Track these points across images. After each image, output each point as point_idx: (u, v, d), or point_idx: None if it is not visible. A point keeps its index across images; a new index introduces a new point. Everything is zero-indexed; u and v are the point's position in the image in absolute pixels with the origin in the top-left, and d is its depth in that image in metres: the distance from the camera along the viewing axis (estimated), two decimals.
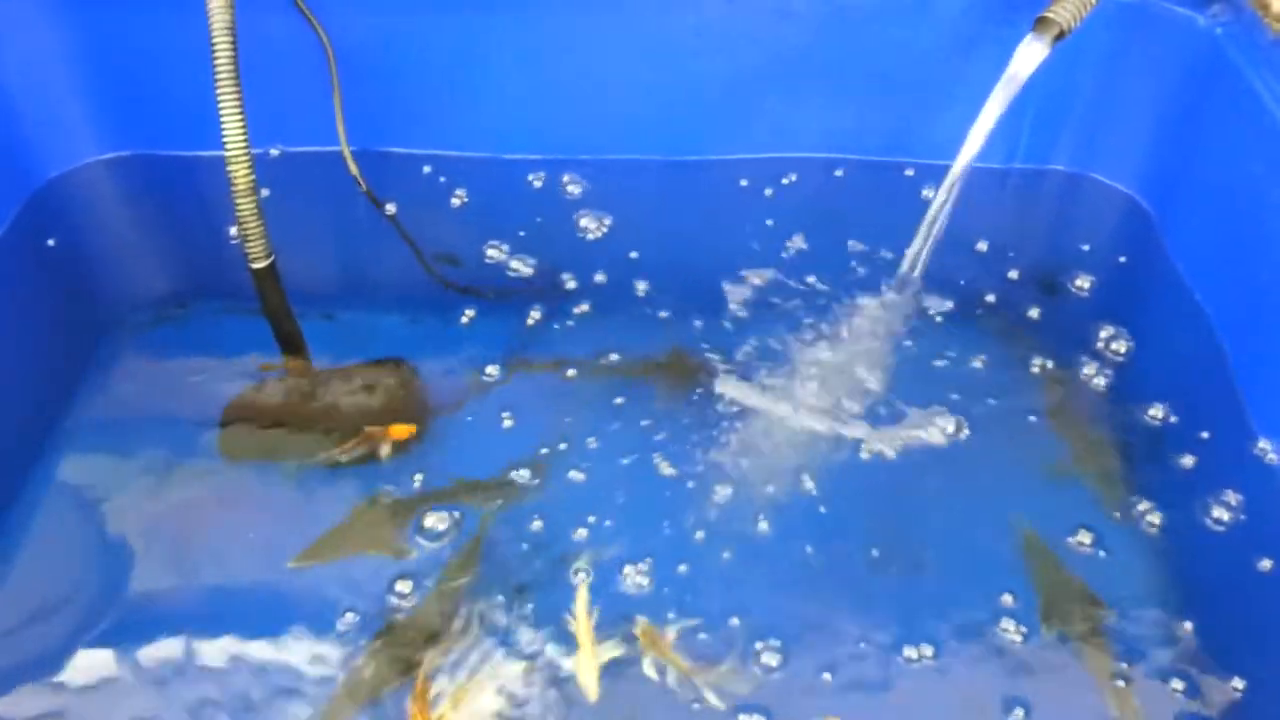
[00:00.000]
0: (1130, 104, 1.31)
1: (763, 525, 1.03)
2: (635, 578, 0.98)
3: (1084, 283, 1.26)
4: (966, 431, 1.10)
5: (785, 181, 1.38)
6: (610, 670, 0.92)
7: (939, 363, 1.17)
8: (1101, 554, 1.01)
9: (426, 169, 1.39)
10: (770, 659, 0.93)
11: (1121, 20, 1.24)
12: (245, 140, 1.07)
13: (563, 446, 1.09)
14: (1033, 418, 1.12)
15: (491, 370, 1.16)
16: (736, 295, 1.24)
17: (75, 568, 1.00)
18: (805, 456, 1.08)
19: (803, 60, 1.31)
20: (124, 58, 1.30)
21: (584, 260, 1.28)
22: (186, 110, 1.33)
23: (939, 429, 1.10)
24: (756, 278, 1.26)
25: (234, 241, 1.27)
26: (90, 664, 0.93)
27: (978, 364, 1.17)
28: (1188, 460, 1.08)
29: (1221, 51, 1.19)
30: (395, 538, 1.01)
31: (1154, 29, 1.24)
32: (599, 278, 1.26)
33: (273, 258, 1.12)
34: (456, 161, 1.40)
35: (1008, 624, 0.95)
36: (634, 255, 1.29)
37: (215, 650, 0.94)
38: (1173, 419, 1.11)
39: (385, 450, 1.09)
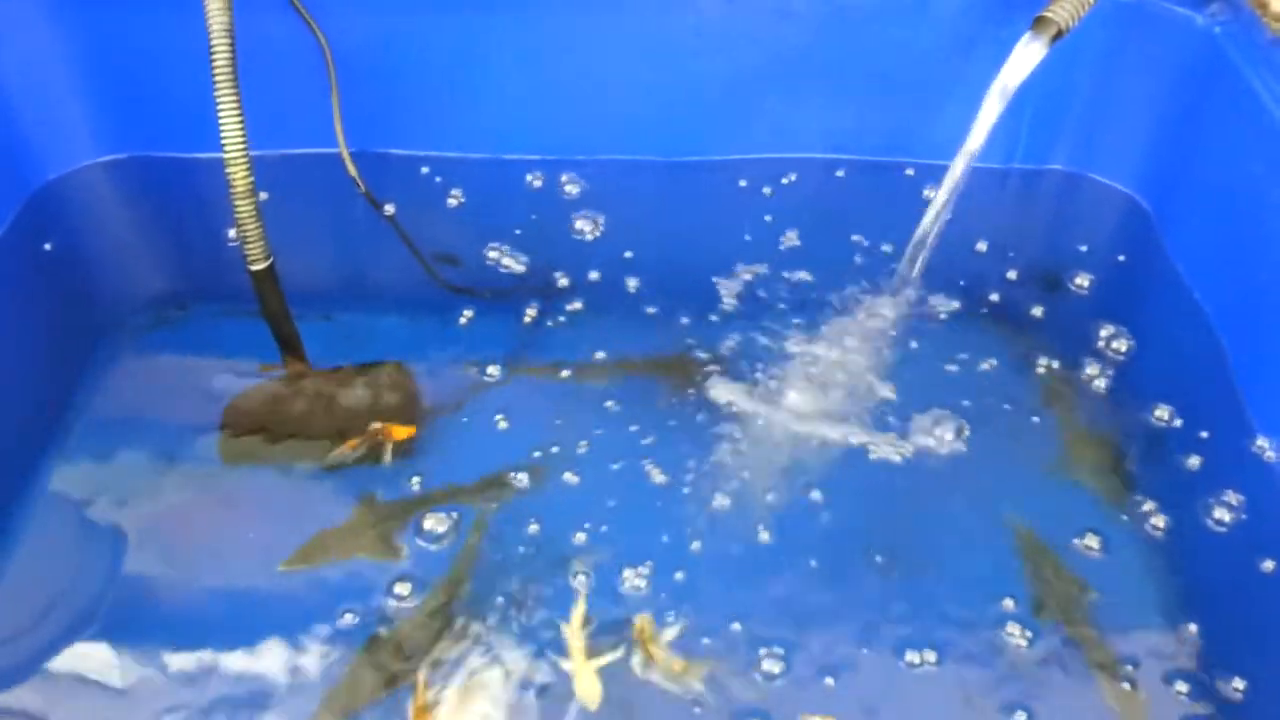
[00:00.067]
0: (1129, 103, 1.31)
1: (763, 528, 1.02)
2: (634, 581, 0.98)
3: (1083, 283, 1.26)
4: (967, 432, 1.10)
5: (785, 181, 1.38)
6: (609, 673, 0.92)
7: (939, 363, 1.17)
8: (1103, 555, 1.01)
9: (425, 170, 1.39)
10: (772, 665, 0.93)
11: (1119, 19, 1.24)
12: (244, 142, 1.06)
13: (561, 448, 1.09)
14: (1032, 418, 1.12)
15: (490, 371, 1.16)
16: (736, 296, 1.24)
17: (73, 569, 1.00)
18: (806, 459, 1.08)
19: (802, 60, 1.31)
20: (123, 59, 1.30)
21: (583, 261, 1.28)
22: (185, 112, 1.33)
23: (939, 430, 1.10)
24: (756, 278, 1.26)
25: (233, 243, 1.27)
26: (88, 664, 0.93)
27: (978, 364, 1.17)
28: (1188, 460, 1.08)
29: (1220, 51, 1.19)
30: (390, 540, 1.01)
31: (1152, 28, 1.24)
32: (598, 279, 1.26)
33: (271, 259, 1.12)
34: (455, 162, 1.40)
35: (1012, 628, 0.95)
36: (633, 256, 1.29)
37: (213, 651, 0.94)
38: (1173, 418, 1.11)
39: (386, 451, 1.09)
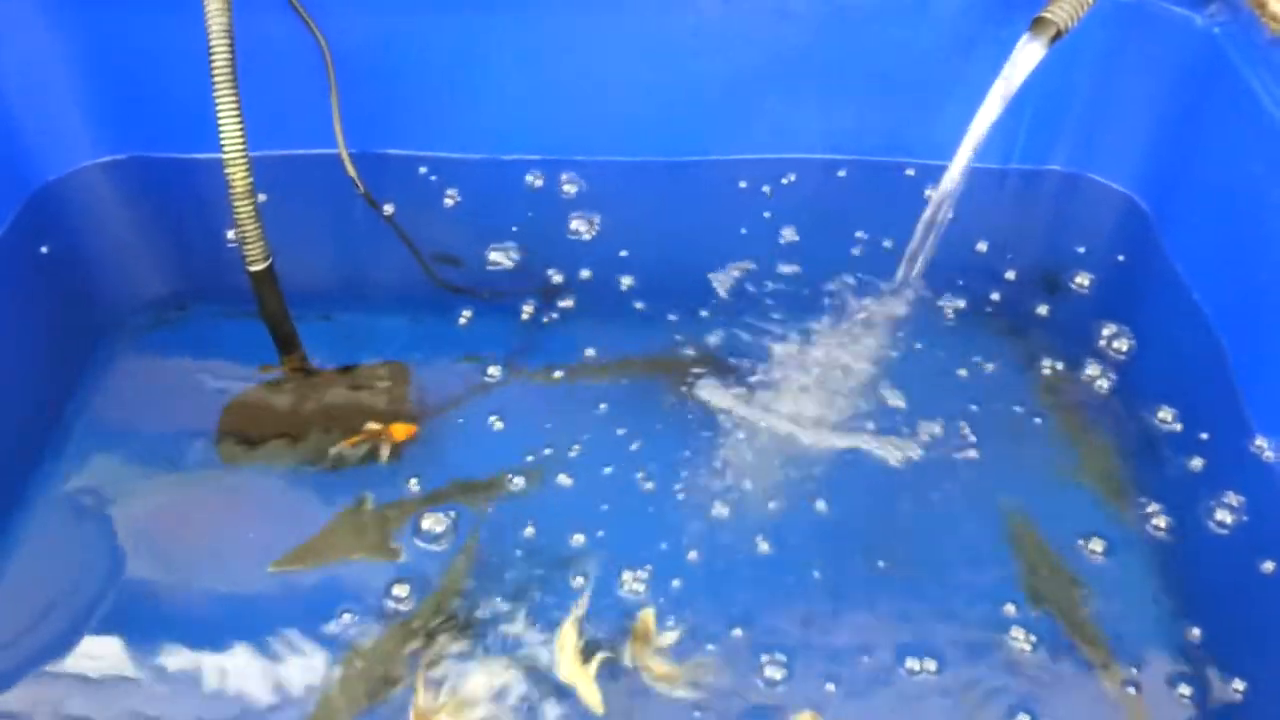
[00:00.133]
0: (1128, 104, 1.31)
1: (763, 532, 1.02)
2: (633, 585, 0.98)
3: (1082, 283, 1.26)
4: (967, 434, 1.10)
5: (784, 181, 1.38)
6: (609, 677, 0.92)
7: (938, 364, 1.17)
8: (1105, 557, 1.01)
9: (424, 170, 1.39)
10: (775, 672, 0.92)
11: (1118, 20, 1.24)
12: (243, 142, 1.06)
13: (560, 450, 1.08)
14: (1033, 419, 1.12)
15: (489, 372, 1.16)
16: (735, 297, 1.24)
17: (73, 569, 1.00)
18: (806, 462, 1.08)
19: (802, 60, 1.31)
20: (121, 60, 1.30)
21: (582, 261, 1.28)
22: (184, 113, 1.33)
23: (939, 432, 1.10)
24: (755, 279, 1.26)
25: (232, 244, 1.27)
26: (87, 664, 0.93)
27: (977, 365, 1.17)
28: (1188, 460, 1.08)
29: (1219, 51, 1.19)
30: (385, 542, 1.01)
31: (1151, 28, 1.24)
32: (597, 279, 1.26)
33: (270, 260, 1.12)
34: (455, 163, 1.40)
35: (1016, 632, 0.95)
36: (633, 257, 1.28)
37: (212, 651, 0.94)
38: (1173, 419, 1.11)
39: (386, 450, 1.09)
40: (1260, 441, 1.07)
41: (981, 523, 1.03)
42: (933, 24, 1.28)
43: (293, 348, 1.18)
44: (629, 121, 1.37)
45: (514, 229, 1.31)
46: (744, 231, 1.32)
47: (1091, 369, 1.16)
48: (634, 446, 1.09)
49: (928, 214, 1.19)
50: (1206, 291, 1.22)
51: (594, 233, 1.32)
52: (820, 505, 1.04)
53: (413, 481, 1.06)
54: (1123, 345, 1.18)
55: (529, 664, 0.93)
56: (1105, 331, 1.20)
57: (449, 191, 1.36)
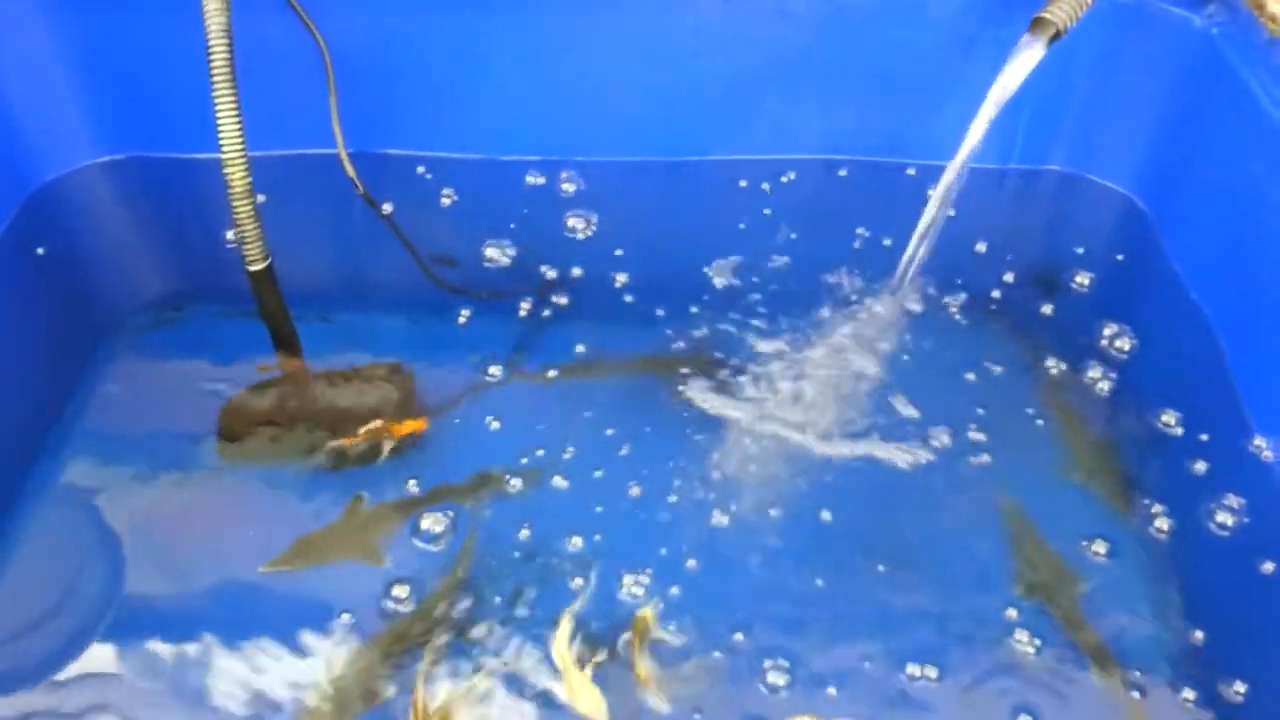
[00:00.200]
0: (1126, 104, 1.31)
1: (763, 535, 1.02)
2: (632, 588, 0.98)
3: (1081, 284, 1.26)
4: (967, 435, 1.10)
5: (784, 180, 1.38)
6: (609, 682, 0.91)
7: (938, 365, 1.17)
8: (1106, 558, 1.01)
9: (423, 171, 1.39)
10: (778, 678, 0.92)
11: (1117, 20, 1.25)
12: (242, 142, 1.06)
13: (560, 451, 1.08)
14: (1032, 420, 1.12)
15: (489, 372, 1.16)
16: (735, 297, 1.24)
17: (72, 570, 0.99)
18: (806, 464, 1.08)
19: (802, 60, 1.31)
20: (121, 60, 1.30)
21: (582, 262, 1.28)
22: (183, 113, 1.33)
23: (940, 434, 1.10)
24: (755, 279, 1.26)
25: (231, 244, 1.27)
26: (87, 664, 0.93)
27: (977, 366, 1.17)
28: (1188, 461, 1.08)
29: (1217, 51, 1.19)
30: (376, 544, 1.01)
31: (1150, 29, 1.24)
32: (596, 279, 1.26)
33: (270, 260, 1.12)
34: (454, 163, 1.40)
35: (1018, 635, 0.95)
36: (633, 257, 1.28)
37: (211, 652, 0.94)
38: (1172, 420, 1.11)
39: (388, 447, 1.09)
40: (1260, 441, 1.07)
41: (982, 524, 1.03)
42: (932, 24, 1.28)
43: (292, 347, 1.18)
44: (629, 121, 1.37)
45: (514, 229, 1.31)
46: (744, 232, 1.32)
47: (1092, 370, 1.16)
48: (634, 447, 1.09)
49: (927, 214, 1.19)
50: (1206, 292, 1.22)
51: (594, 233, 1.32)
52: (820, 507, 1.04)
53: (411, 482, 1.06)
54: (1123, 345, 1.19)
55: (528, 665, 0.93)
56: (1104, 332, 1.20)
57: (448, 192, 1.36)
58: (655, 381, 1.15)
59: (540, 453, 1.08)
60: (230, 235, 1.27)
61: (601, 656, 0.93)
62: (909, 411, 1.12)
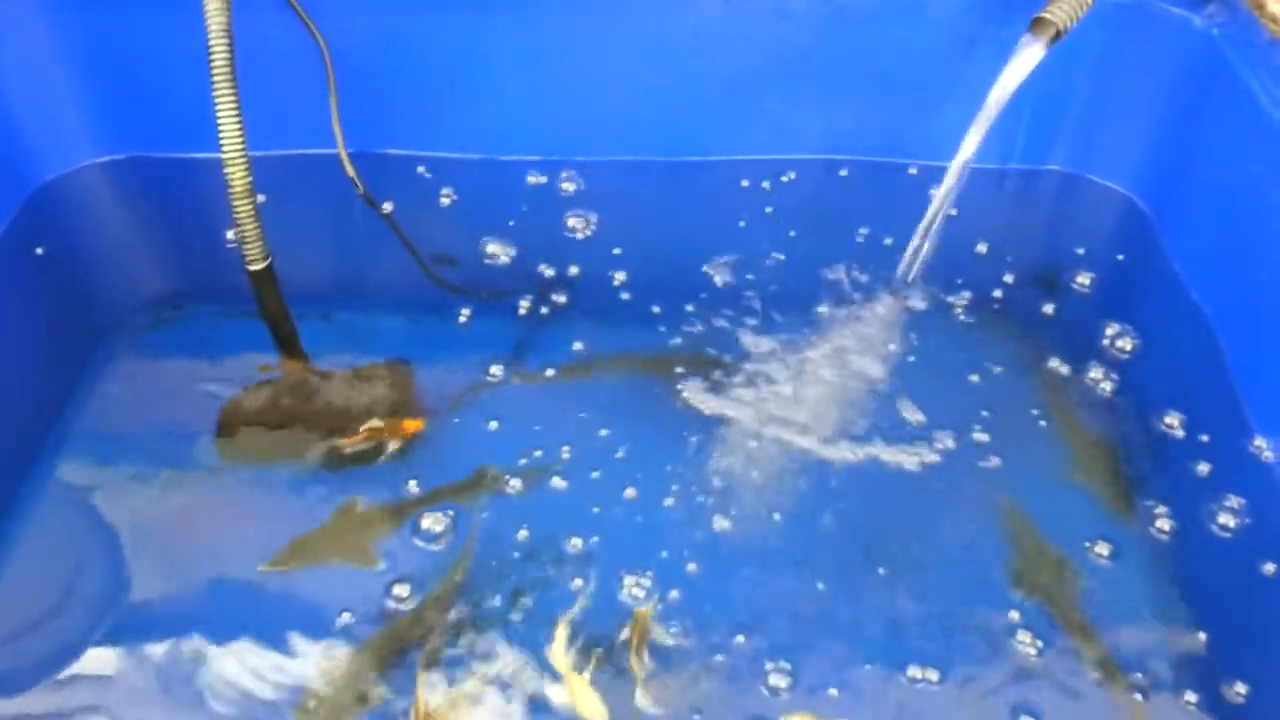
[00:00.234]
0: (1127, 104, 1.31)
1: (764, 536, 1.02)
2: (632, 590, 0.98)
3: (1081, 284, 1.26)
4: (968, 436, 1.10)
5: (785, 179, 1.38)
6: (610, 688, 0.91)
7: (940, 366, 1.17)
8: (1108, 560, 1.00)
9: (423, 170, 1.39)
10: (779, 680, 0.92)
11: (1118, 20, 1.25)
12: (242, 142, 1.07)
13: (559, 451, 1.08)
14: (1032, 421, 1.12)
15: (489, 371, 1.16)
16: (736, 298, 1.24)
17: (72, 570, 0.99)
18: (807, 465, 1.08)
19: (802, 60, 1.31)
20: (121, 60, 1.30)
21: (582, 261, 1.28)
22: (183, 112, 1.33)
23: (941, 434, 1.10)
24: (756, 279, 1.26)
25: (231, 244, 1.27)
26: (87, 663, 0.93)
27: (978, 367, 1.17)
28: (1188, 462, 1.08)
29: (1218, 52, 1.19)
30: (378, 543, 1.01)
31: (1150, 29, 1.24)
32: (596, 279, 1.26)
33: (270, 259, 1.12)
34: (454, 163, 1.40)
35: (1019, 636, 0.95)
36: (633, 257, 1.28)
37: (210, 653, 0.94)
38: (1172, 420, 1.11)
39: (394, 445, 1.09)
40: (1260, 442, 1.07)
41: (982, 526, 1.03)
42: (933, 24, 1.28)
43: (292, 347, 1.18)
44: (629, 121, 1.37)
45: (513, 229, 1.31)
46: (744, 232, 1.32)
47: (1093, 371, 1.16)
48: (634, 448, 1.09)
49: (928, 214, 1.19)
50: (1206, 292, 1.22)
51: (594, 233, 1.32)
52: (820, 508, 1.04)
53: (411, 482, 1.06)
54: (1124, 345, 1.18)
55: (528, 666, 0.93)
56: (1106, 332, 1.20)
57: (448, 191, 1.36)
58: (656, 381, 1.15)
59: (541, 453, 1.08)
60: (230, 235, 1.27)
61: (602, 660, 0.92)
62: (909, 412, 1.12)
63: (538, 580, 0.98)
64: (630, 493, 1.05)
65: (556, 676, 0.92)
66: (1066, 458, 1.09)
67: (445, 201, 1.35)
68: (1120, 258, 1.30)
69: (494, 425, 1.11)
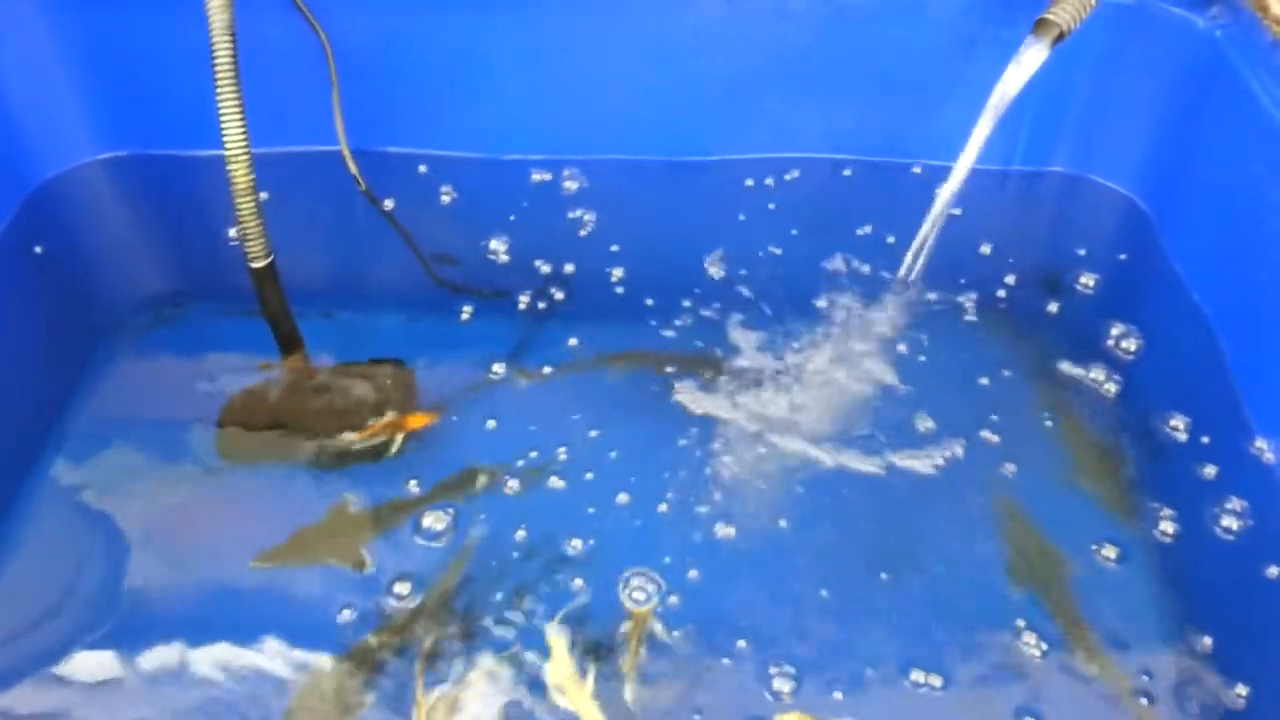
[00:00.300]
0: (1129, 106, 1.31)
1: (767, 540, 1.02)
2: (634, 593, 0.97)
3: (1083, 285, 1.26)
4: (969, 438, 1.10)
5: (787, 178, 1.38)
6: (609, 694, 0.91)
7: (941, 366, 1.17)
8: (1110, 563, 1.00)
9: (425, 169, 1.39)
10: (783, 684, 0.92)
11: (1120, 22, 1.25)
12: (245, 140, 1.06)
13: (560, 450, 1.08)
14: (1033, 422, 1.12)
15: (490, 369, 1.16)
16: (736, 297, 1.24)
17: (73, 568, 0.99)
18: (807, 467, 1.08)
19: (802, 60, 1.31)
20: (122, 57, 1.30)
21: (583, 260, 1.28)
22: (184, 110, 1.33)
23: (942, 436, 1.10)
24: (757, 280, 1.26)
25: (232, 242, 1.27)
26: (86, 665, 0.93)
27: (979, 368, 1.17)
28: (1191, 463, 1.07)
29: (1220, 53, 1.19)
30: (362, 546, 1.01)
31: (1153, 31, 1.25)
32: (597, 279, 1.26)
33: (272, 257, 1.12)
34: (455, 161, 1.40)
35: (1023, 638, 0.95)
36: (633, 256, 1.28)
37: (209, 652, 0.94)
38: (1173, 421, 1.11)
39: (398, 442, 1.08)
40: (1260, 443, 1.07)
41: (984, 528, 1.03)
42: (933, 24, 1.28)
43: (294, 345, 1.18)
44: (629, 121, 1.37)
45: (514, 226, 1.31)
46: (745, 232, 1.32)
47: (1094, 372, 1.16)
48: (634, 448, 1.09)
49: (930, 215, 1.19)
50: (1206, 292, 1.22)
51: (594, 232, 1.32)
52: (822, 509, 1.04)
53: (411, 482, 1.06)
54: (1128, 346, 1.18)
55: (528, 666, 0.92)
56: (1109, 333, 1.20)
57: (448, 189, 1.36)
58: (656, 381, 1.15)
59: (540, 452, 1.08)
60: (232, 232, 1.27)
61: (601, 665, 0.92)
62: (910, 413, 1.12)
63: (538, 580, 0.98)
64: (632, 493, 1.05)
65: (556, 680, 0.92)
66: (1069, 460, 1.09)
67: (446, 200, 1.35)
68: (1122, 258, 1.30)
69: (495, 423, 1.11)
